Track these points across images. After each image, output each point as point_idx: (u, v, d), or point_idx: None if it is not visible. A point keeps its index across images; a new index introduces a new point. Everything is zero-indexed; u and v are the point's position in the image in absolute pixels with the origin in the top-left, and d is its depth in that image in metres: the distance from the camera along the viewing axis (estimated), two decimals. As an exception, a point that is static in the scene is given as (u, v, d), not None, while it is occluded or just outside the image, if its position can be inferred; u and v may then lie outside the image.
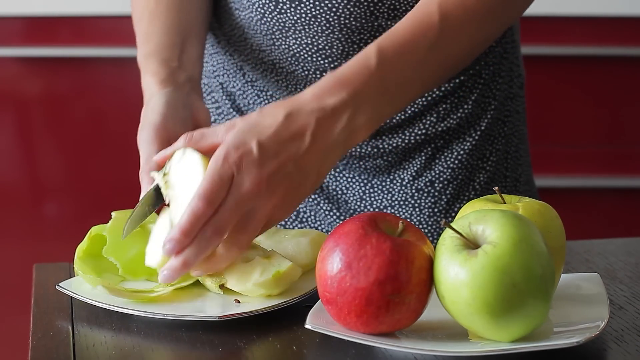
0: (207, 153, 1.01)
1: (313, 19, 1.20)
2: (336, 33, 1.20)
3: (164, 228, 1.00)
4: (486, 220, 0.88)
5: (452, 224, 0.89)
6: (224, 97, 1.33)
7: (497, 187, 0.98)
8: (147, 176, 1.05)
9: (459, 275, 0.86)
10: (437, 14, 1.09)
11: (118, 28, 2.33)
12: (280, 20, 1.21)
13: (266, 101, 1.29)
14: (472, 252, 0.86)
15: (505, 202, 0.97)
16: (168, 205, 1.02)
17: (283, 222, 1.29)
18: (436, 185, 1.27)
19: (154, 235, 1.02)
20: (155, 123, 1.08)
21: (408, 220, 1.25)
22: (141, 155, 1.07)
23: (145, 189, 1.04)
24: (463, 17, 1.10)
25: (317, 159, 1.03)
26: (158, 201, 1.04)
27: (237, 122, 1.02)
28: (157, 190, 1.03)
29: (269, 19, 1.22)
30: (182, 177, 1.01)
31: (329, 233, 0.92)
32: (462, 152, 1.27)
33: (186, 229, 0.96)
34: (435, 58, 1.10)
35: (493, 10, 1.13)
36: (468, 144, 1.27)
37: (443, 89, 1.26)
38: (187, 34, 1.21)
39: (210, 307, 0.98)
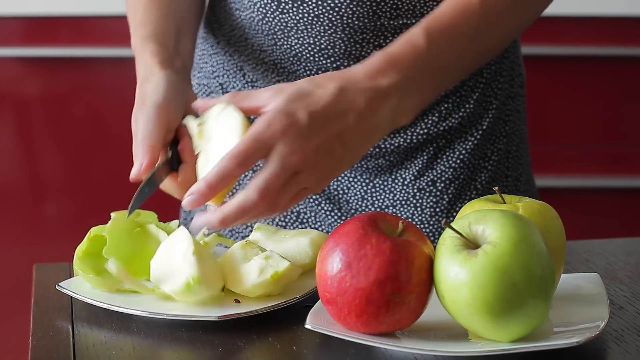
0: (247, 113, 1.01)
1: (315, 19, 1.20)
2: (339, 33, 1.20)
3: (178, 245, 0.99)
4: (486, 220, 0.87)
5: (452, 224, 0.89)
6: (224, 98, 1.33)
7: (497, 187, 0.98)
8: (144, 147, 1.04)
9: (459, 275, 0.86)
10: (479, 5, 1.10)
11: (118, 28, 2.33)
12: (282, 20, 1.21)
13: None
14: (472, 252, 0.86)
15: (505, 202, 0.97)
16: (197, 156, 1.02)
17: (283, 223, 1.29)
18: (438, 184, 1.26)
19: (165, 248, 1.00)
20: (158, 102, 1.07)
21: (409, 220, 1.25)
22: (139, 130, 1.06)
23: (141, 160, 1.04)
24: (501, 4, 1.12)
25: (361, 138, 1.03)
26: (163, 177, 1.04)
27: (285, 88, 1.01)
28: (164, 165, 1.03)
29: (270, 19, 1.22)
30: (218, 132, 1.00)
31: (329, 233, 0.92)
32: (463, 152, 1.27)
33: (212, 184, 0.97)
34: (474, 45, 1.12)
35: (512, 6, 1.15)
36: (470, 143, 1.27)
37: (444, 88, 1.26)
38: (180, 25, 1.21)
39: (210, 307, 0.98)
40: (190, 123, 1.03)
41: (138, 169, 1.03)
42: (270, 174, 0.98)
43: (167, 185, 1.05)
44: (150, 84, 1.11)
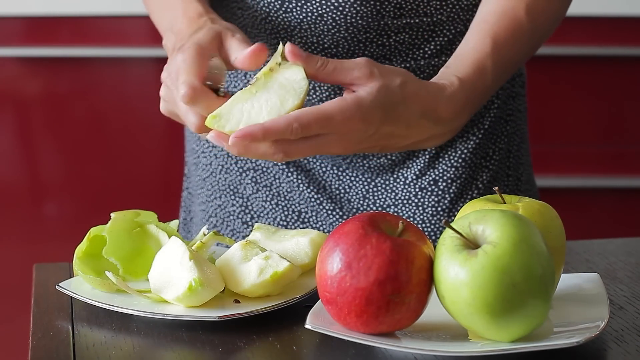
0: (334, 84, 1.05)
1: (319, 18, 1.20)
2: (342, 32, 1.20)
3: (173, 253, 0.99)
4: (486, 220, 0.87)
5: (452, 224, 0.89)
6: (224, 97, 1.33)
7: (497, 187, 0.98)
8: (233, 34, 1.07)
9: (459, 275, 0.86)
10: (528, 24, 1.15)
11: (118, 28, 2.33)
12: (285, 20, 1.21)
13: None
14: (472, 252, 0.86)
15: (505, 202, 0.97)
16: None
17: (284, 223, 1.29)
18: (440, 184, 1.26)
19: (161, 259, 1.00)
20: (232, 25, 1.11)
21: (411, 219, 1.25)
22: (233, 46, 1.07)
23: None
24: (546, 26, 1.18)
25: (397, 150, 1.10)
26: (220, 76, 1.06)
27: (376, 75, 1.03)
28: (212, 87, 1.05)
29: (274, 18, 1.22)
30: (277, 90, 1.02)
31: (330, 233, 0.92)
32: (465, 151, 1.27)
33: (269, 134, 0.99)
34: (514, 70, 1.18)
35: (555, 20, 1.20)
36: (472, 142, 1.27)
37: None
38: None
39: (210, 307, 0.98)
40: (278, 54, 1.03)
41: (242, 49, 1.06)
42: (305, 146, 1.01)
43: (198, 93, 1.04)
44: (212, 14, 1.13)
